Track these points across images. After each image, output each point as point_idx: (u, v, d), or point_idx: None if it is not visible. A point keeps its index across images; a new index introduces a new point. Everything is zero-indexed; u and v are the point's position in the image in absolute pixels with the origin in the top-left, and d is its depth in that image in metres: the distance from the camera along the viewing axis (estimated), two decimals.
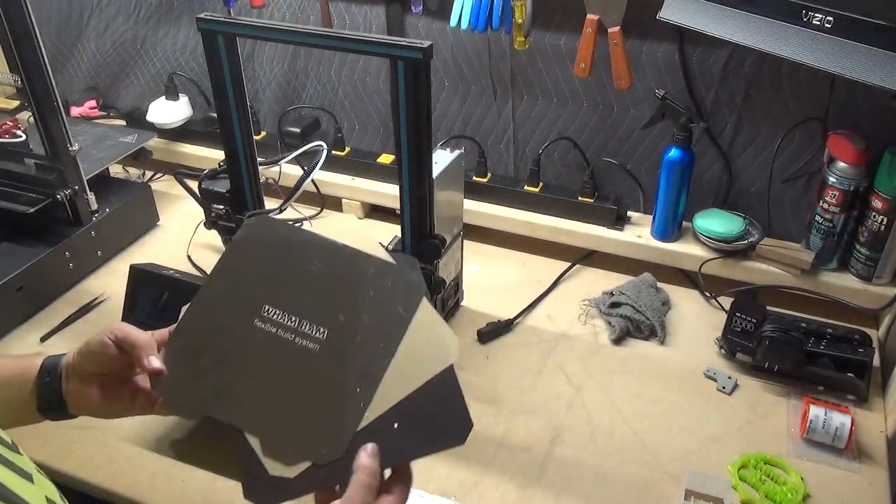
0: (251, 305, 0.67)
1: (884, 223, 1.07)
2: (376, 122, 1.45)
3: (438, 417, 0.64)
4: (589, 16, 1.11)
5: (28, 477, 0.59)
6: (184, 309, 0.70)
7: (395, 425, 0.62)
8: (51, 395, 0.71)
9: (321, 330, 0.66)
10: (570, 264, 1.28)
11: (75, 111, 1.63)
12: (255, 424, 0.64)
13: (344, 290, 0.67)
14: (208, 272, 1.21)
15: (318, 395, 0.64)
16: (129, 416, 0.72)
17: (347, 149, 1.43)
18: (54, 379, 0.71)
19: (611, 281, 1.23)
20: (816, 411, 0.92)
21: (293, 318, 0.66)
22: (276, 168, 1.18)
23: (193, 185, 1.18)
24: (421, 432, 0.63)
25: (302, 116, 1.47)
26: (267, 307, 0.67)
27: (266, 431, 0.63)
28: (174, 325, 0.70)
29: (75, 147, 1.17)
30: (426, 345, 0.65)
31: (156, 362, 0.67)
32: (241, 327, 0.67)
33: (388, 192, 1.37)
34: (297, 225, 0.76)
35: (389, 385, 0.63)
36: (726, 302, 1.17)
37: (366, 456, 0.61)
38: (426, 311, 0.66)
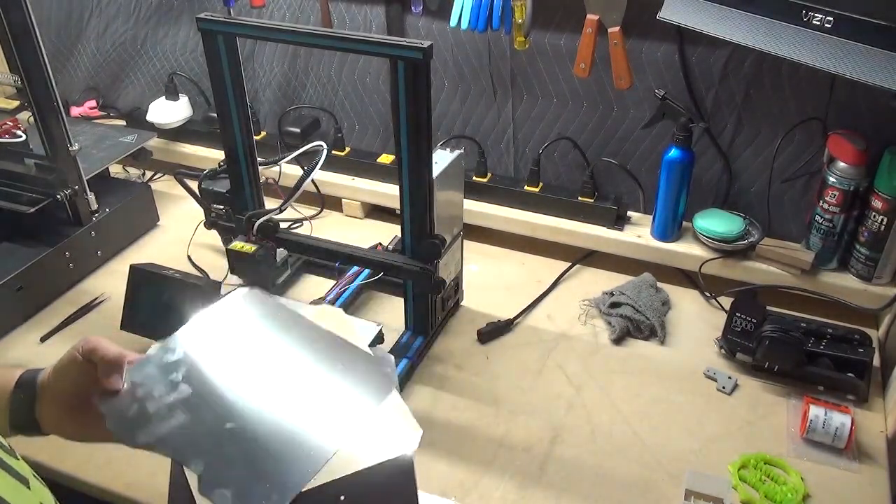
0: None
1: (884, 223, 1.07)
2: (376, 122, 1.45)
3: (388, 500, 0.63)
4: (589, 16, 1.11)
5: (24, 482, 0.59)
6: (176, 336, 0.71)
7: (342, 498, 0.61)
8: (22, 413, 0.68)
9: (289, 391, 0.67)
10: (570, 264, 1.28)
11: (75, 111, 1.63)
12: (197, 459, 0.61)
13: (319, 367, 0.70)
14: (208, 273, 1.22)
15: (270, 446, 0.63)
16: (105, 442, 0.69)
17: (347, 149, 1.43)
18: (29, 396, 0.68)
19: (611, 281, 1.23)
20: (816, 411, 0.92)
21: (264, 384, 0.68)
22: (276, 168, 1.18)
23: (193, 185, 1.18)
24: None
25: (302, 116, 1.47)
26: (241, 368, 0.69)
27: (206, 470, 0.61)
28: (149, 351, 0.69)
29: (75, 147, 1.17)
30: (389, 430, 0.66)
31: (115, 380, 0.65)
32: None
33: (388, 192, 1.37)
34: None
35: (345, 456, 0.62)
36: (726, 302, 1.17)
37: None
38: (395, 401, 0.68)
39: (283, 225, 1.13)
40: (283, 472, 0.61)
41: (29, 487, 0.60)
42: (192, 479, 0.60)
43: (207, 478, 0.60)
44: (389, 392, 0.68)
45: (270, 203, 1.11)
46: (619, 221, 1.27)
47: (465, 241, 1.14)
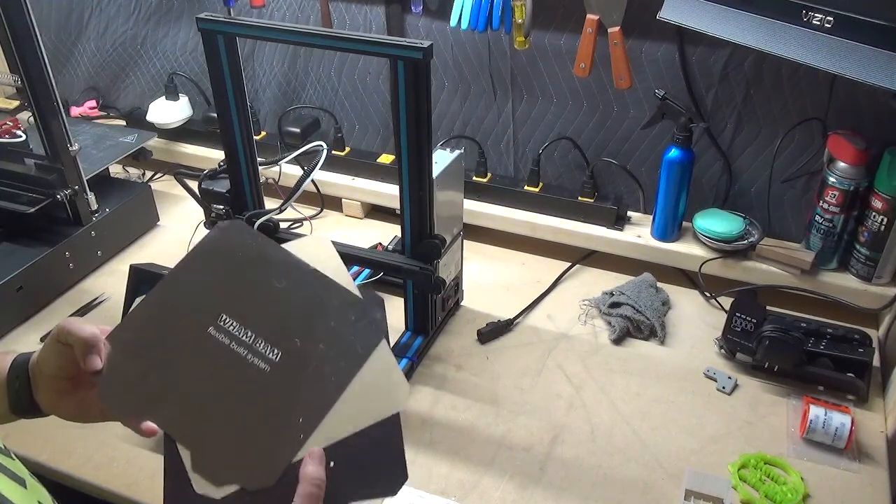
0: (209, 311, 0.65)
1: (884, 223, 1.07)
2: (376, 122, 1.45)
3: (376, 464, 0.62)
4: (589, 16, 1.11)
5: (21, 482, 0.59)
6: (137, 301, 0.68)
7: (331, 464, 0.60)
8: (22, 397, 0.68)
9: (275, 351, 0.64)
10: (570, 264, 1.28)
11: (75, 111, 1.63)
12: (190, 437, 0.61)
13: (305, 316, 0.65)
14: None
15: (259, 418, 0.62)
16: (102, 421, 0.68)
17: (347, 149, 1.43)
18: (24, 381, 0.68)
19: (611, 281, 1.23)
20: (816, 411, 0.92)
21: (249, 334, 0.64)
22: (276, 168, 1.19)
23: (193, 185, 1.18)
24: (355, 476, 0.61)
25: (302, 116, 1.47)
26: (224, 317, 0.64)
27: (200, 446, 0.60)
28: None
29: (75, 147, 1.17)
30: (377, 388, 0.63)
31: (94, 361, 0.63)
32: (194, 331, 0.64)
33: (388, 192, 1.37)
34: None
35: (333, 421, 0.61)
36: (726, 302, 1.17)
37: (312, 465, 0.58)
38: (383, 354, 0.64)
39: (283, 225, 1.13)
40: (275, 442, 0.60)
41: (26, 487, 0.60)
42: (186, 456, 0.60)
43: (200, 454, 0.60)
44: (378, 343, 0.64)
45: (270, 203, 1.11)
46: (619, 221, 1.27)
47: (465, 241, 1.14)
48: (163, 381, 0.64)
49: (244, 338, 0.64)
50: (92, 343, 0.64)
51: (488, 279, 1.26)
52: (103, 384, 0.64)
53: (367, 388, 0.63)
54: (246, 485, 0.59)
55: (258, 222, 1.05)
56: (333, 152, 1.41)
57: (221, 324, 0.64)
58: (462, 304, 1.19)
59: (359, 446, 0.62)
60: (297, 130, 1.41)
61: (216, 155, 1.47)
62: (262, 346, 0.64)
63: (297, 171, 1.22)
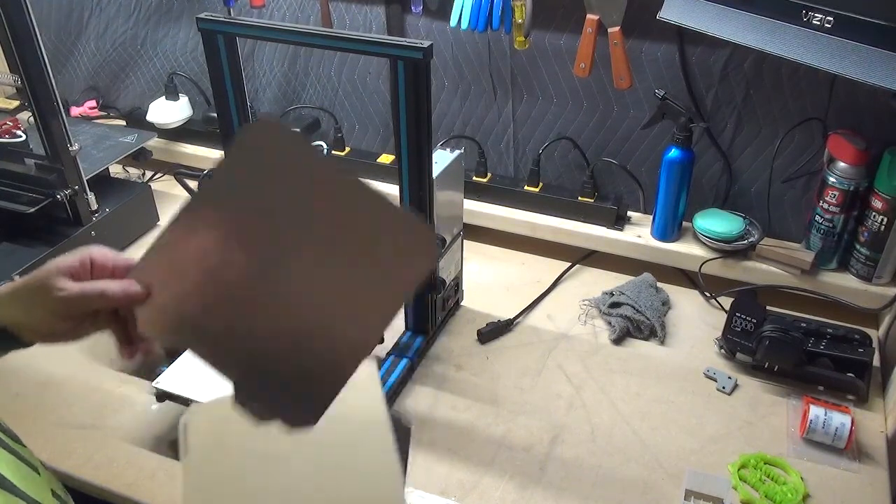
0: (244, 239, 0.60)
1: (884, 223, 1.07)
2: (376, 122, 1.45)
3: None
4: (589, 16, 1.11)
5: (34, 468, 0.59)
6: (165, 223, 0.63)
7: None
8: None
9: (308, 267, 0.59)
10: (570, 264, 1.28)
11: (75, 111, 1.63)
12: (230, 367, 0.59)
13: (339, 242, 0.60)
14: None
15: (300, 350, 0.60)
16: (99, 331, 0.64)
17: (347, 149, 1.43)
18: None
19: (611, 281, 1.23)
20: (816, 411, 0.92)
21: (287, 268, 0.59)
22: None
23: (193, 185, 1.18)
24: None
25: (302, 116, 1.47)
26: (263, 245, 0.60)
27: (241, 380, 0.59)
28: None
29: (75, 147, 1.17)
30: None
31: (144, 349, 0.62)
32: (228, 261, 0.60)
33: (388, 192, 1.37)
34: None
35: None
36: (726, 302, 1.17)
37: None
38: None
39: None
40: (316, 380, 0.58)
41: (39, 474, 0.60)
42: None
43: (241, 387, 0.59)
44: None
45: None
46: (619, 221, 1.27)
47: (465, 241, 1.14)
48: (200, 311, 0.61)
49: (283, 268, 0.60)
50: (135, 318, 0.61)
51: (488, 279, 1.26)
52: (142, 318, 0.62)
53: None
54: (289, 423, 0.58)
55: None
56: (333, 152, 1.41)
57: (259, 253, 0.60)
58: (462, 304, 1.19)
59: None
60: (298, 130, 1.41)
61: (216, 155, 1.47)
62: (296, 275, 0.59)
63: None
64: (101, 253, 0.63)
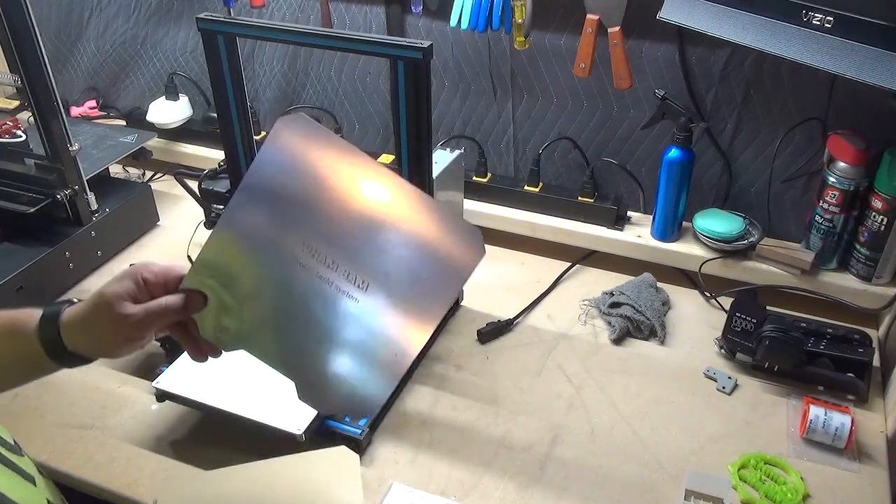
0: (288, 239, 0.61)
1: (884, 223, 1.07)
2: (376, 122, 1.45)
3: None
4: (589, 16, 1.11)
5: (30, 479, 0.59)
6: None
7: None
8: (55, 345, 0.64)
9: (363, 282, 0.60)
10: (570, 264, 1.28)
11: (75, 111, 1.63)
12: (291, 368, 0.63)
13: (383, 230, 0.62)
14: None
15: (354, 350, 0.63)
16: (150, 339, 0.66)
17: None
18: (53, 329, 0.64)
19: (611, 281, 1.23)
20: (816, 411, 0.92)
21: (334, 263, 0.60)
22: None
23: (193, 185, 1.18)
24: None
25: None
26: (306, 245, 0.61)
27: (301, 377, 0.62)
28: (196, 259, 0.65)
29: (75, 147, 1.17)
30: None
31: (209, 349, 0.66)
32: (279, 263, 0.61)
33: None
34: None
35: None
36: (726, 302, 1.17)
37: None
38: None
39: None
40: (376, 375, 0.62)
41: (35, 485, 0.60)
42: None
43: (303, 384, 0.62)
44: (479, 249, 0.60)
45: None
46: (619, 221, 1.27)
47: None
48: (256, 314, 0.64)
49: (330, 269, 0.61)
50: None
51: (488, 279, 1.26)
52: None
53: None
54: (352, 415, 0.61)
55: None
56: None
57: (305, 254, 0.61)
58: (462, 304, 1.19)
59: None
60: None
61: (216, 155, 1.47)
62: (347, 275, 0.61)
63: None
64: (149, 269, 0.65)
